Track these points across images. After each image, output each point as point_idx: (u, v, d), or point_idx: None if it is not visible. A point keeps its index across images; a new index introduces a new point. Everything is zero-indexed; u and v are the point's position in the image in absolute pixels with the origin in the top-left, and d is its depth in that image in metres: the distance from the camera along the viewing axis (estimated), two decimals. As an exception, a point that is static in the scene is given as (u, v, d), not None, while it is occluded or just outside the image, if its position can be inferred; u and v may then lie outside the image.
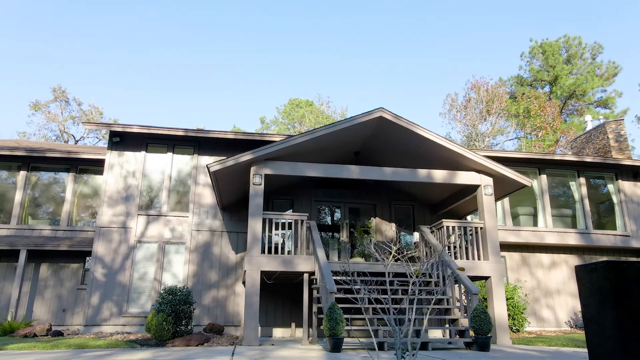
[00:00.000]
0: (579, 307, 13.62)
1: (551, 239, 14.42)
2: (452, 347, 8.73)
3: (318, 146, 11.01)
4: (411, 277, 5.98)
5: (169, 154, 13.02)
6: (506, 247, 14.40)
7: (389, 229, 13.54)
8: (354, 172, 10.58)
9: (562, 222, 15.03)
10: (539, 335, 12.03)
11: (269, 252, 9.96)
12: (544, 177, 14.99)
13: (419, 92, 61.90)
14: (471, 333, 8.74)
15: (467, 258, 10.64)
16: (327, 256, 13.47)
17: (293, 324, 11.95)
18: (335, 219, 13.95)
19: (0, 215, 13.95)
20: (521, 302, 13.08)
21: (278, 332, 12.03)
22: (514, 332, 12.40)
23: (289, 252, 10.08)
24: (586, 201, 15.04)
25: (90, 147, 16.33)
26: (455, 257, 10.54)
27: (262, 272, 9.57)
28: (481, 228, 10.63)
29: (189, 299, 9.74)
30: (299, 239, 10.17)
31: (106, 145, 16.80)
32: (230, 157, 9.92)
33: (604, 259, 14.97)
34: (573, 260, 14.85)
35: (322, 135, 10.20)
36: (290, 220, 10.19)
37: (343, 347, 8.07)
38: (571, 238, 14.48)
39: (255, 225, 9.69)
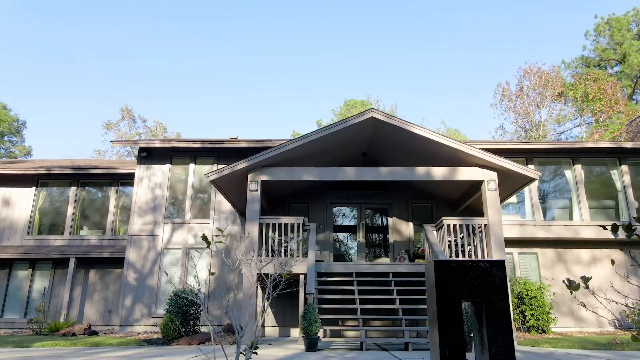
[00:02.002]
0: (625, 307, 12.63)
1: (588, 233, 13.40)
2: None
3: (318, 150, 11.25)
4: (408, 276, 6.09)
5: (191, 165, 13.91)
6: (537, 243, 13.63)
7: (407, 228, 13.40)
8: (349, 174, 10.68)
9: (604, 215, 13.91)
10: (565, 336, 11.30)
11: (266, 255, 10.36)
12: (578, 167, 13.97)
13: (472, 87, 59.43)
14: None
15: (470, 256, 10.31)
16: (343, 257, 13.64)
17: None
18: (351, 220, 14.05)
19: (55, 228, 15.69)
20: (548, 301, 12.32)
21: (295, 332, 12.39)
22: (539, 332, 11.73)
23: (285, 255, 10.39)
24: (630, 190, 13.80)
25: (128, 162, 17.77)
26: (457, 256, 10.26)
27: (258, 274, 9.99)
28: (485, 225, 10.25)
29: (195, 301, 10.40)
30: (295, 241, 10.47)
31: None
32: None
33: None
34: (618, 255, 13.66)
35: (316, 139, 10.43)
36: (287, 223, 10.51)
37: (332, 346, 8.26)
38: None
39: (252, 230, 10.15)
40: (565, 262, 13.71)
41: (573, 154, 14.06)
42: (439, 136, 10.40)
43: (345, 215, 14.19)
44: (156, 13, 61.95)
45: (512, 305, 11.95)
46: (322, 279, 10.33)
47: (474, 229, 10.43)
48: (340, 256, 13.59)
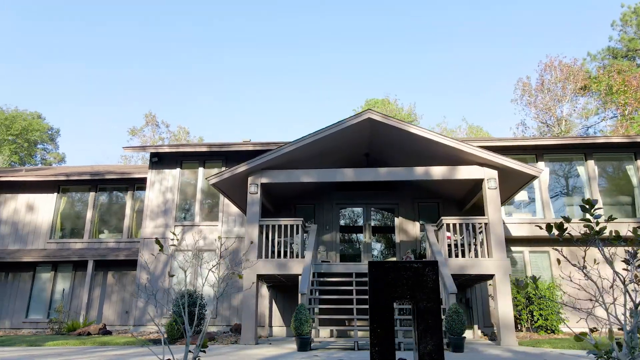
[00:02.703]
0: None
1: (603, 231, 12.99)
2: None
3: (319, 151, 11.36)
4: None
5: (200, 169, 14.25)
6: (549, 241, 13.32)
7: (413, 228, 13.34)
8: (347, 175, 10.75)
9: (620, 211, 13.49)
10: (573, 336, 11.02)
11: (267, 256, 10.53)
12: (590, 162, 13.57)
13: (493, 83, 58.18)
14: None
15: (471, 256, 10.20)
16: (349, 258, 13.69)
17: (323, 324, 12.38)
18: (357, 220, 14.08)
19: (76, 231, 16.33)
20: (558, 300, 12.04)
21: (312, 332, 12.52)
22: (547, 333, 11.49)
23: (285, 256, 10.54)
24: (646, 186, 13.33)
25: (141, 167, 18.31)
26: (456, 256, 10.17)
27: (258, 275, 10.18)
28: (486, 224, 10.13)
29: (199, 302, 10.67)
30: (294, 242, 10.61)
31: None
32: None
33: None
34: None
35: (314, 140, 10.53)
36: (287, 225, 10.65)
37: (328, 346, 8.36)
38: (630, 228, 12.91)
39: (252, 232, 10.35)
40: (579, 260, 13.33)
41: (585, 150, 13.68)
42: (437, 135, 10.35)
43: (352, 216, 14.24)
44: (177, 20, 63.36)
45: (520, 305, 11.76)
46: (323, 279, 10.43)
47: (474, 227, 10.32)
48: (347, 257, 13.65)
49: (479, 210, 12.50)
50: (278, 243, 10.73)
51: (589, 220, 3.29)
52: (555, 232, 3.42)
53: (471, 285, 12.59)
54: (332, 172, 10.82)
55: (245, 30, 65.55)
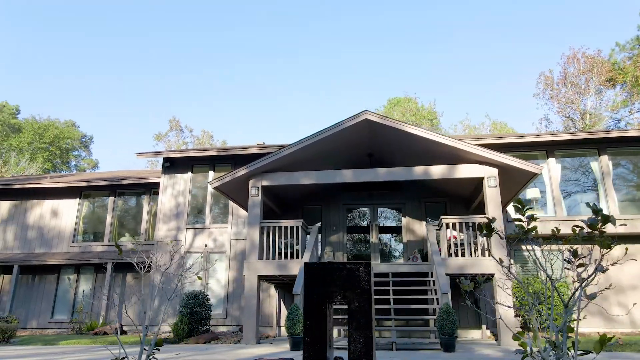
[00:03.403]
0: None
1: (618, 228, 12.55)
2: (422, 347, 8.51)
3: (321, 153, 11.47)
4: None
5: (210, 173, 14.61)
6: (561, 239, 12.99)
7: (420, 228, 13.28)
8: (346, 176, 10.82)
9: (636, 207, 13.04)
10: (584, 336, 10.74)
11: (267, 257, 10.71)
12: (604, 157, 13.17)
13: (516, 78, 56.69)
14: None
15: (471, 255, 10.10)
16: (356, 258, 13.74)
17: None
18: (364, 220, 14.11)
19: (97, 235, 17.01)
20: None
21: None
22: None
23: (286, 257, 10.70)
24: (664, 181, 12.83)
25: (156, 172, 18.86)
26: (455, 255, 10.09)
27: (259, 276, 10.38)
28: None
29: (204, 302, 10.98)
30: (295, 243, 10.76)
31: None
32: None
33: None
34: (654, 250, 12.75)
35: (312, 143, 10.66)
36: (287, 226, 10.82)
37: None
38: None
39: (253, 234, 10.57)
40: (595, 259, 12.95)
41: (598, 145, 13.28)
42: (434, 134, 10.31)
43: (359, 216, 14.28)
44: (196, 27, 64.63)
45: (528, 305, 11.52)
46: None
47: (474, 226, 10.22)
48: (354, 257, 13.71)
49: (485, 209, 12.36)
50: (279, 244, 10.91)
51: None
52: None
53: (480, 286, 12.43)
54: (331, 173, 10.92)
55: (266, 35, 66.29)
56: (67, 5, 61.89)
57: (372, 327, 3.58)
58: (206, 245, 13.66)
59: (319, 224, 11.53)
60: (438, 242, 11.09)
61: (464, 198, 13.09)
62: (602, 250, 3.18)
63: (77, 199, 17.16)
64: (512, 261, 12.89)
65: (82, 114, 65.14)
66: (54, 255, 16.38)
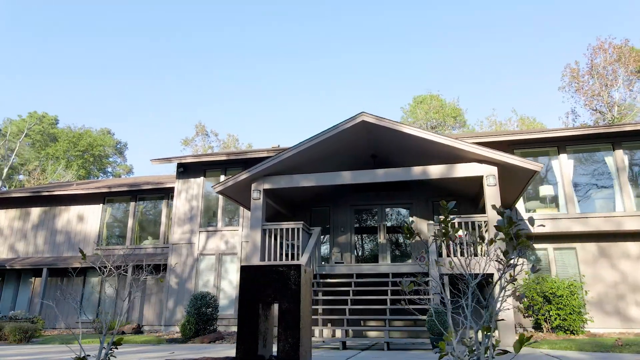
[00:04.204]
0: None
1: (634, 225, 12.14)
2: (414, 347, 8.51)
3: (322, 155, 11.62)
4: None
5: (222, 177, 14.97)
6: (574, 237, 12.64)
7: (428, 227, 13.19)
8: (346, 177, 10.92)
9: (656, 203, 12.52)
10: (597, 337, 10.43)
11: (269, 259, 10.94)
12: (619, 152, 12.72)
13: (542, 72, 54.75)
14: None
15: (470, 255, 10.00)
16: (364, 259, 13.80)
17: (329, 324, 12.62)
18: (372, 221, 14.14)
19: (119, 238, 17.73)
20: (581, 299, 11.42)
21: (316, 332, 12.81)
22: (566, 333, 10.95)
23: (286, 258, 10.89)
24: (684, 175, 12.27)
25: (173, 177, 19.46)
26: (455, 255, 10.01)
27: (261, 277, 10.60)
28: (486, 222, 9.91)
29: (211, 303, 11.31)
30: (295, 245, 10.94)
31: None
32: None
33: None
34: (675, 247, 12.22)
35: (311, 146, 10.82)
36: (288, 228, 11.01)
37: (321, 346, 8.63)
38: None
39: (255, 236, 10.82)
40: (610, 257, 12.55)
41: (613, 139, 12.84)
42: (431, 134, 10.27)
43: (366, 217, 14.32)
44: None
45: (538, 304, 11.29)
46: (324, 280, 10.67)
47: (473, 226, 10.12)
48: (362, 258, 13.77)
49: (485, 208, 12.18)
50: (280, 246, 11.11)
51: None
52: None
53: (486, 286, 12.25)
54: (331, 175, 11.04)
55: (290, 35, 66.84)
56: (98, 16, 64.36)
57: (299, 328, 3.71)
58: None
59: (319, 228, 11.63)
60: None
61: (471, 197, 12.93)
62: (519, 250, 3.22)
63: (101, 205, 17.93)
64: (523, 261, 12.65)
65: (117, 122, 67.57)
66: (80, 259, 17.18)
